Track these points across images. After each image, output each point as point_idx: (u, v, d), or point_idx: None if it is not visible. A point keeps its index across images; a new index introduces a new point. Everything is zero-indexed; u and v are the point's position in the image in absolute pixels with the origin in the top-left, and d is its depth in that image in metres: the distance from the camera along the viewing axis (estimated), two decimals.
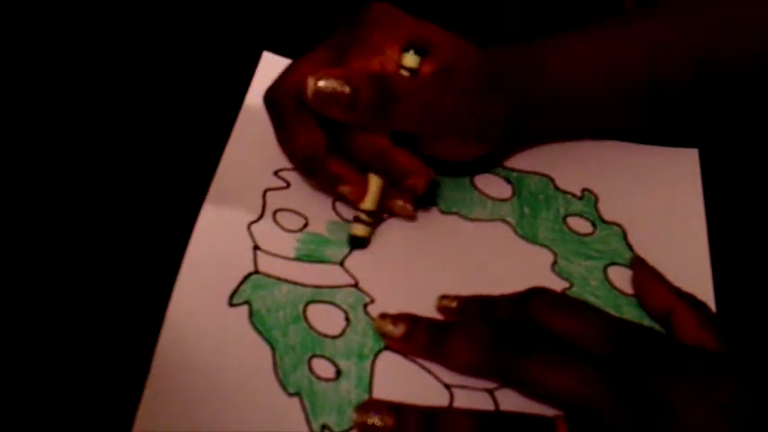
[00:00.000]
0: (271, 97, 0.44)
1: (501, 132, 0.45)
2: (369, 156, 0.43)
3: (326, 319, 0.42)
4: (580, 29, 0.46)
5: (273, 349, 0.41)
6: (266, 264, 0.44)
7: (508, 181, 0.49)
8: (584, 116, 0.47)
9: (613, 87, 0.46)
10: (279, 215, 0.46)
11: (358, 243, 0.45)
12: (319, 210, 0.46)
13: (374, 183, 0.44)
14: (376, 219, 0.45)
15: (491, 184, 0.48)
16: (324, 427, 0.38)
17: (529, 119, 0.46)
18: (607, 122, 0.49)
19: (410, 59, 0.43)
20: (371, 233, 0.45)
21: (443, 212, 0.47)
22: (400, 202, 0.45)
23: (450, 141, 0.44)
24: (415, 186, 0.43)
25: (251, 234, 0.45)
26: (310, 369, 0.40)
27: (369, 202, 0.44)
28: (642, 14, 0.47)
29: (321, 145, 0.43)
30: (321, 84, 0.40)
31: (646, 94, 0.47)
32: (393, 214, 0.46)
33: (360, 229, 0.45)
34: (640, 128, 0.50)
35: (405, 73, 0.43)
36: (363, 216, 0.44)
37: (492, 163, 0.49)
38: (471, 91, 0.43)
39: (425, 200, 0.46)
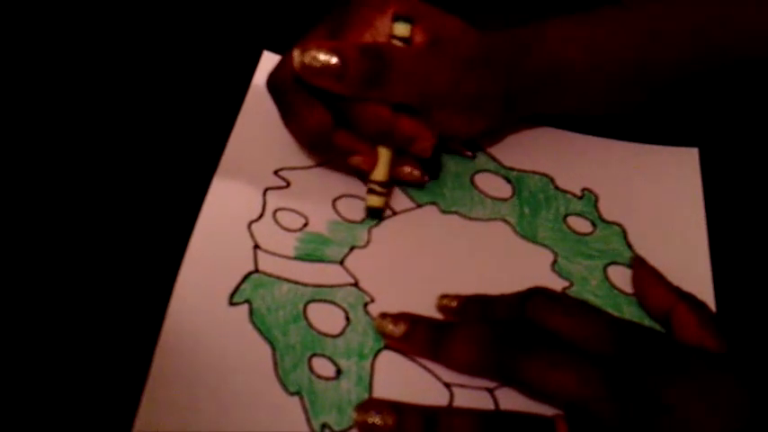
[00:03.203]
0: (273, 83, 0.45)
1: (496, 107, 0.45)
2: (373, 126, 0.43)
3: (327, 318, 0.42)
4: (576, 14, 0.47)
5: (274, 348, 0.41)
6: (266, 263, 0.44)
7: (508, 180, 0.49)
8: (576, 98, 0.48)
9: (605, 71, 0.46)
10: (279, 214, 0.46)
11: (374, 213, 0.46)
12: (319, 209, 0.46)
13: (383, 154, 0.45)
14: (388, 189, 0.46)
15: (491, 184, 0.48)
16: (324, 426, 0.38)
17: (521, 96, 0.46)
18: (598, 106, 0.49)
19: (401, 28, 0.43)
20: (386, 203, 0.46)
21: (443, 212, 0.47)
22: (408, 169, 0.46)
23: (446, 114, 0.44)
24: (422, 151, 0.44)
25: (251, 233, 0.45)
26: (310, 368, 0.40)
27: (380, 173, 0.45)
28: (638, 4, 0.48)
29: (328, 121, 0.43)
30: (307, 56, 0.41)
31: (636, 80, 0.47)
32: (404, 182, 0.47)
33: (375, 200, 0.45)
34: (634, 113, 0.50)
35: (397, 43, 0.43)
36: (376, 187, 0.45)
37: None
38: (465, 62, 0.43)
39: (433, 167, 0.48)
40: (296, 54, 0.41)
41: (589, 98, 0.48)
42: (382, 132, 0.43)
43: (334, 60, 0.41)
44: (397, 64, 0.42)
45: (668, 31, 0.47)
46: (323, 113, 0.43)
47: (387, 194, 0.46)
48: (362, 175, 0.47)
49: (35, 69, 0.52)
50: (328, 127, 0.43)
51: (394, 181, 0.46)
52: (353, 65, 0.41)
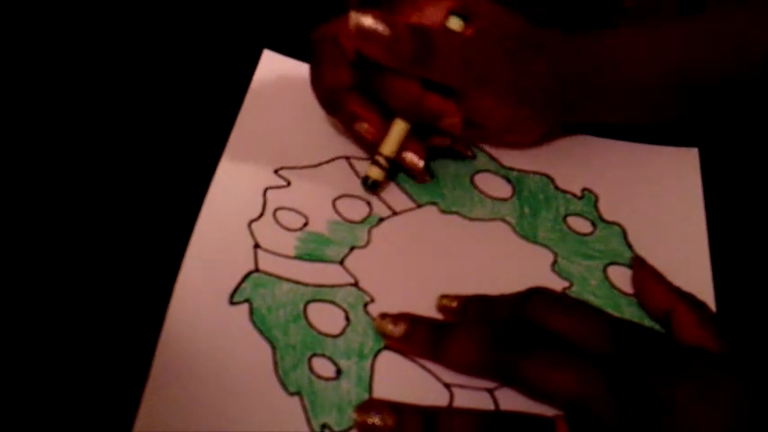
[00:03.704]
0: (315, 36, 0.46)
1: (550, 105, 0.46)
2: (401, 100, 0.44)
3: (327, 318, 0.42)
4: (635, 23, 0.48)
5: (274, 348, 0.41)
6: (267, 262, 0.44)
7: (508, 180, 0.49)
8: (632, 106, 0.48)
9: (664, 81, 0.47)
10: (279, 214, 0.46)
11: (371, 186, 0.46)
12: (320, 208, 0.46)
13: (398, 128, 0.45)
14: (392, 166, 0.46)
15: (491, 184, 0.48)
16: (324, 426, 0.38)
17: (577, 101, 0.47)
18: (654, 114, 0.49)
19: (454, 23, 0.44)
20: (385, 178, 0.46)
21: (443, 212, 0.47)
22: (410, 156, 0.45)
23: (489, 101, 0.45)
24: (450, 126, 0.44)
25: (251, 232, 0.45)
26: (310, 368, 0.40)
27: (389, 147, 0.45)
28: (695, 14, 0.48)
29: (345, 82, 0.44)
30: (365, 19, 0.41)
31: (692, 88, 0.47)
32: (403, 167, 0.46)
33: (375, 172, 0.46)
34: (676, 123, 0.50)
35: None
36: (381, 160, 0.45)
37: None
38: (513, 53, 0.44)
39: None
40: (353, 15, 0.41)
41: (645, 107, 0.48)
42: (410, 107, 0.44)
43: (386, 30, 0.41)
44: (443, 46, 0.43)
45: (723, 40, 0.47)
46: (343, 73, 0.44)
47: (388, 171, 0.46)
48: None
49: (35, 69, 0.52)
50: (343, 86, 0.44)
51: (397, 170, 0.46)
52: (403, 38, 0.42)
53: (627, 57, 0.46)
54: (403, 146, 0.45)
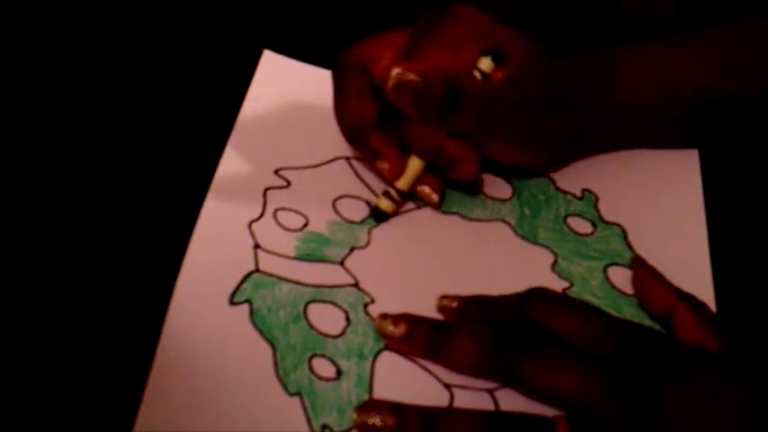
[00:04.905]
0: (339, 61, 0.45)
1: (560, 147, 0.46)
2: (422, 144, 0.44)
3: (327, 318, 0.42)
4: (646, 42, 0.47)
5: (274, 348, 0.41)
6: (267, 263, 0.44)
7: (508, 181, 0.49)
8: (646, 132, 0.48)
9: (679, 102, 0.47)
10: (279, 214, 0.46)
11: (379, 217, 0.46)
12: (320, 209, 0.46)
13: (414, 165, 0.45)
14: (404, 199, 0.46)
15: (491, 185, 0.48)
16: (324, 426, 0.38)
17: (589, 134, 0.47)
18: (669, 139, 0.49)
19: (486, 64, 0.43)
20: (395, 210, 0.46)
21: (443, 212, 0.47)
22: (427, 189, 0.45)
23: (506, 147, 0.45)
24: (466, 173, 0.44)
25: (251, 233, 0.45)
26: (311, 369, 0.40)
27: (404, 183, 0.45)
28: (707, 31, 0.48)
29: (369, 118, 0.44)
30: (403, 76, 0.41)
31: (709, 110, 0.47)
32: (417, 198, 0.46)
33: (385, 204, 0.45)
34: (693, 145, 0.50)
35: (477, 75, 0.43)
36: (393, 193, 0.45)
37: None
38: (535, 103, 0.44)
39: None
40: (393, 72, 0.41)
41: (661, 131, 0.48)
42: (430, 151, 0.44)
43: (421, 86, 0.41)
44: (469, 100, 0.42)
45: (741, 59, 0.47)
46: (368, 108, 0.44)
47: (399, 204, 0.46)
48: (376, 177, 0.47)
49: (35, 70, 0.52)
50: (368, 123, 0.44)
51: (407, 195, 0.46)
52: (434, 94, 0.41)
53: (641, 80, 0.46)
54: (419, 179, 0.45)
